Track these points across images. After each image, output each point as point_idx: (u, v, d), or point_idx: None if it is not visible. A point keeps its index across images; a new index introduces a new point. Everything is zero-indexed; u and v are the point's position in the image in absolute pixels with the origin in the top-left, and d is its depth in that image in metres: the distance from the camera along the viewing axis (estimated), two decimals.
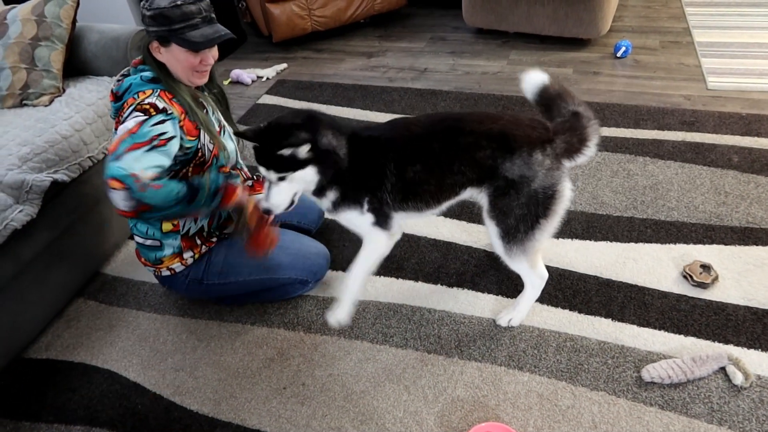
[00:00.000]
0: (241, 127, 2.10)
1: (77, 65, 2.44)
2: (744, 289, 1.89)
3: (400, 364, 1.81)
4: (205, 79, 1.75)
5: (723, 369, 1.66)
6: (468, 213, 2.34)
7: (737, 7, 3.77)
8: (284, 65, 3.75)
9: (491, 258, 2.11)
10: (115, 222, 2.33)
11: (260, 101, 3.39)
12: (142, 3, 1.62)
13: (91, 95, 2.31)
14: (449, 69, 3.48)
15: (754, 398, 1.59)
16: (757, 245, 2.04)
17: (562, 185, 1.59)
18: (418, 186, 1.63)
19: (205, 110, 1.78)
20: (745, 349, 1.71)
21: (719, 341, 1.74)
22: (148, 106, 1.58)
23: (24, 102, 2.27)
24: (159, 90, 1.64)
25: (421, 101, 3.16)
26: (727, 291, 1.89)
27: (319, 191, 1.65)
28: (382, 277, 2.11)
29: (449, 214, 2.34)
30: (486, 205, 1.65)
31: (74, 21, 2.36)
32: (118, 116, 1.65)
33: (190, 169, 1.72)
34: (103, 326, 2.09)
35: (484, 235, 2.22)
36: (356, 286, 1.79)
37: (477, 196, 1.67)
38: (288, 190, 1.59)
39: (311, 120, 1.57)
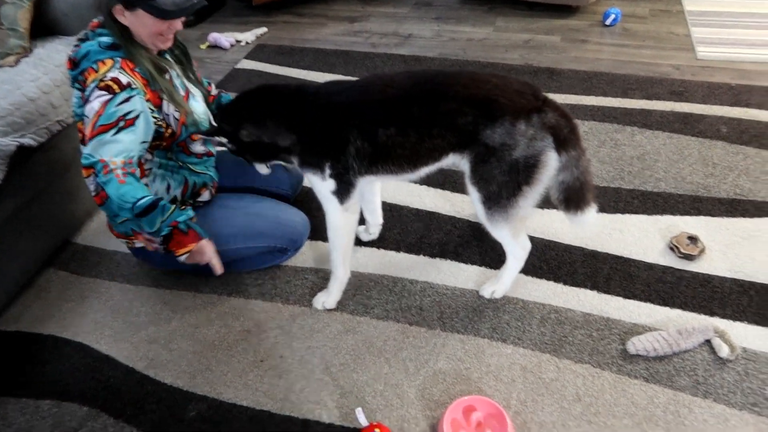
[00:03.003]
0: (216, 92, 2.02)
1: (46, 24, 2.29)
2: (731, 261, 1.86)
3: (381, 336, 1.76)
4: (170, 44, 1.64)
5: (708, 342, 1.64)
6: (451, 182, 2.28)
7: None
8: (264, 29, 3.61)
9: (475, 228, 2.06)
10: (86, 189, 2.22)
11: (239, 66, 3.27)
12: None
13: (60, 56, 2.17)
14: (434, 35, 3.38)
15: (740, 371, 1.57)
16: (744, 217, 2.01)
17: (546, 155, 1.51)
18: (391, 150, 1.58)
19: (167, 75, 1.67)
20: (731, 321, 1.70)
21: (705, 313, 1.72)
22: (111, 83, 1.49)
23: None
24: (119, 59, 1.53)
25: (404, 67, 3.06)
26: (713, 263, 1.86)
27: (283, 159, 1.71)
28: (363, 247, 2.05)
29: (432, 183, 2.28)
30: (468, 171, 1.60)
31: None
32: (82, 90, 1.56)
33: (163, 143, 1.63)
34: (75, 297, 2.01)
35: (467, 205, 2.17)
36: (340, 267, 1.80)
37: (459, 162, 1.62)
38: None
39: (243, 107, 1.68)
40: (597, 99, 2.66)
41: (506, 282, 1.82)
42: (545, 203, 2.07)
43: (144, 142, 1.55)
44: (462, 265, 1.95)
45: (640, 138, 2.40)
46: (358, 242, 2.06)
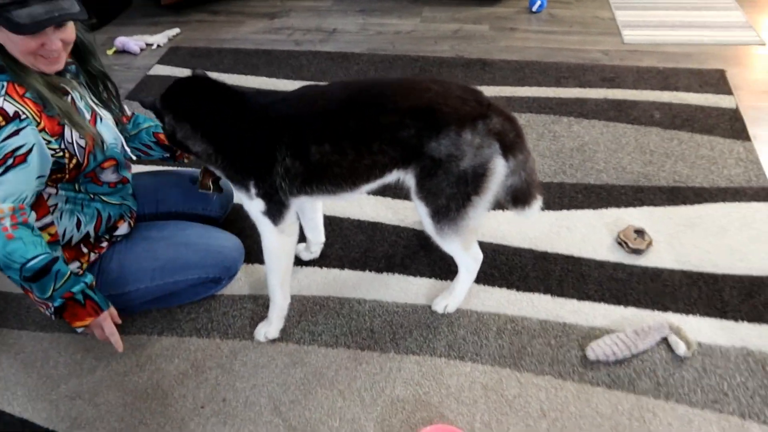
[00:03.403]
0: (133, 104, 1.81)
1: None
2: (677, 251, 1.86)
3: (332, 365, 1.63)
4: (59, 66, 1.40)
5: (665, 339, 1.61)
6: (392, 189, 2.15)
7: None
8: (176, 30, 3.35)
9: (421, 237, 1.96)
10: None
11: (151, 72, 3.01)
12: None
13: None
14: (360, 29, 3.24)
15: (698, 367, 1.55)
16: (684, 204, 2.01)
17: (494, 162, 1.43)
18: (327, 168, 1.45)
19: (69, 97, 1.45)
20: (684, 315, 1.68)
21: (658, 309, 1.70)
22: None
23: None
24: (5, 83, 1.32)
25: (332, 66, 2.91)
26: (661, 255, 1.85)
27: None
28: (303, 267, 1.91)
29: (373, 191, 2.16)
30: (413, 186, 1.50)
31: None
32: None
33: (67, 175, 1.43)
34: None
35: (411, 212, 2.06)
36: (278, 293, 1.66)
37: (404, 177, 1.51)
38: None
39: (172, 93, 1.50)
40: (531, 90, 2.61)
41: (459, 295, 1.73)
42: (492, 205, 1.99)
43: (40, 176, 1.35)
44: (411, 278, 1.85)
45: (577, 128, 2.37)
46: (299, 262, 1.92)
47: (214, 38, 3.28)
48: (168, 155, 1.85)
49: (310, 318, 1.76)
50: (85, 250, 1.59)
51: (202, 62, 3.04)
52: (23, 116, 1.31)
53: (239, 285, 1.87)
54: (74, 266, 1.57)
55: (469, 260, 1.66)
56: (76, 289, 1.39)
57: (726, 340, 1.61)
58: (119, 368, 1.68)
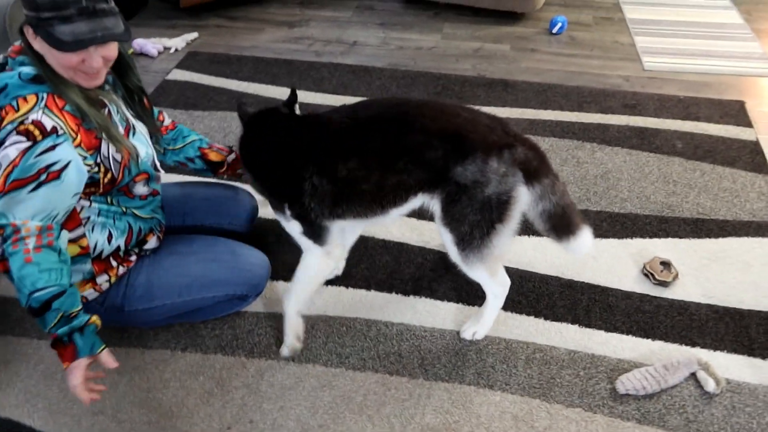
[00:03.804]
0: (169, 122, 1.80)
1: None
2: (703, 285, 1.87)
3: (360, 389, 1.62)
4: (98, 82, 1.37)
5: (694, 375, 1.62)
6: (416, 211, 2.16)
7: None
8: (195, 35, 3.33)
9: (446, 261, 1.95)
10: None
11: (170, 77, 2.99)
12: None
13: None
14: (380, 42, 3.24)
15: (726, 405, 1.56)
16: (709, 237, 2.03)
17: (518, 191, 1.45)
18: (354, 186, 1.46)
19: (106, 110, 1.43)
20: (712, 351, 1.69)
21: (686, 344, 1.71)
22: (32, 127, 1.24)
23: None
24: (45, 95, 1.28)
25: (353, 79, 2.91)
26: (687, 289, 1.86)
27: None
28: (329, 286, 1.90)
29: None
30: (438, 212, 1.52)
31: None
32: None
33: (100, 190, 1.41)
34: None
35: (436, 234, 2.04)
36: (293, 314, 1.67)
37: (429, 203, 1.53)
38: None
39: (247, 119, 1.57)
40: (554, 113, 2.62)
41: (487, 322, 1.72)
42: (517, 231, 2.00)
43: (75, 194, 1.33)
44: (438, 302, 1.84)
45: (600, 155, 2.38)
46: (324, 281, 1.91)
47: (233, 45, 3.26)
48: (208, 169, 1.84)
49: (337, 339, 1.75)
50: (114, 263, 1.57)
51: (222, 69, 3.02)
52: (60, 131, 1.27)
53: (264, 303, 1.86)
54: (103, 279, 1.55)
55: (495, 287, 1.67)
56: (61, 331, 1.30)
57: (754, 378, 1.62)
58: (142, 384, 1.66)
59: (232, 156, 1.83)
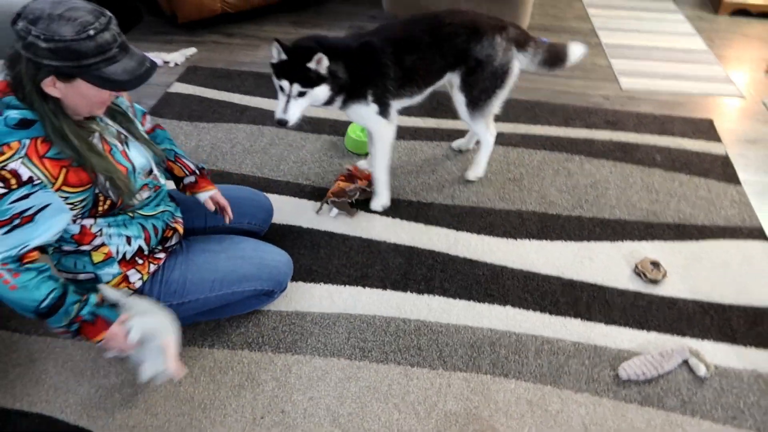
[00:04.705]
0: (156, 119, 1.86)
1: None
2: (689, 283, 2.05)
3: (384, 380, 1.73)
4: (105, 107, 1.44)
5: (686, 362, 1.78)
6: (424, 215, 2.30)
7: (631, 11, 4.10)
8: (193, 50, 3.42)
9: (457, 261, 2.10)
10: None
11: (171, 90, 3.06)
12: (22, 24, 1.19)
13: None
14: None
15: (716, 387, 1.72)
16: (690, 240, 2.22)
17: (513, 63, 2.14)
18: (413, 72, 2.07)
19: (96, 135, 1.43)
20: (699, 340, 1.86)
21: (677, 334, 1.87)
22: (9, 175, 1.25)
23: None
24: (28, 142, 1.27)
25: None
26: (675, 285, 2.03)
27: (327, 102, 1.97)
28: (347, 286, 2.01)
29: (405, 216, 2.29)
30: (458, 82, 2.15)
31: None
32: None
33: (100, 211, 1.46)
34: (22, 360, 1.77)
35: (443, 238, 2.20)
36: (384, 174, 2.26)
37: (450, 77, 2.16)
38: (303, 103, 1.92)
39: (325, 44, 1.88)
40: (544, 128, 2.81)
41: (483, 163, 2.43)
42: (517, 234, 2.17)
43: (52, 231, 1.36)
44: (451, 300, 1.97)
45: (588, 167, 2.57)
46: (341, 282, 2.01)
47: (231, 60, 3.35)
48: (171, 180, 1.82)
49: (359, 335, 1.85)
50: (140, 261, 1.61)
51: (224, 83, 3.11)
52: (36, 181, 1.28)
53: (285, 302, 1.95)
54: (135, 278, 1.61)
55: (488, 136, 2.36)
56: (84, 312, 1.41)
57: (738, 363, 1.79)
58: (173, 380, 1.72)
59: (190, 178, 1.81)
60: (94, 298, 1.45)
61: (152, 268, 1.66)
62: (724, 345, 1.85)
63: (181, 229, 1.75)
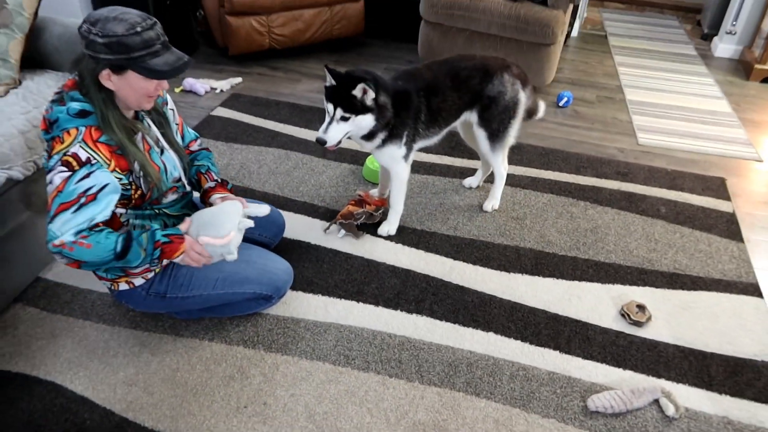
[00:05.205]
0: (204, 141, 2.09)
1: (36, 58, 2.34)
2: (673, 329, 2.09)
3: (362, 386, 1.85)
4: (153, 103, 1.68)
5: (657, 401, 1.83)
6: (425, 243, 2.44)
7: (661, 72, 4.20)
8: (239, 79, 3.73)
9: (449, 287, 2.21)
10: None
11: (214, 113, 3.35)
12: (85, 26, 1.46)
13: (50, 90, 2.21)
14: None
15: (683, 428, 1.76)
16: (683, 289, 2.27)
17: (521, 94, 2.37)
18: (439, 113, 2.28)
19: (139, 135, 1.68)
20: (675, 383, 1.90)
21: (653, 375, 1.92)
22: (71, 158, 1.49)
23: None
24: (84, 129, 1.52)
25: None
26: (658, 330, 2.09)
27: (369, 135, 2.14)
28: (342, 299, 2.15)
29: (408, 242, 2.43)
30: (476, 119, 2.39)
31: (37, 11, 2.26)
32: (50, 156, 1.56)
33: (132, 202, 1.68)
34: (45, 335, 1.98)
35: (440, 265, 2.32)
36: (401, 206, 2.46)
37: (468, 116, 2.39)
38: (345, 128, 2.07)
39: (375, 79, 2.06)
40: (554, 174, 2.92)
41: (498, 195, 2.65)
42: (511, 268, 2.27)
43: (110, 208, 1.58)
44: (437, 321, 2.08)
45: (592, 212, 2.66)
46: (338, 295, 2.16)
47: (272, 91, 3.64)
48: (197, 194, 2.00)
49: (346, 344, 1.98)
50: None
51: (261, 110, 3.38)
52: (93, 161, 1.51)
53: (284, 307, 2.10)
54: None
55: (503, 169, 2.56)
56: (158, 236, 1.62)
57: (710, 409, 1.82)
58: (172, 364, 1.89)
59: (210, 184, 1.96)
60: (157, 225, 1.68)
61: (165, 261, 1.85)
62: (698, 390, 1.88)
63: None
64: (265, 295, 1.99)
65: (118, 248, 1.55)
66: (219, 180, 2.02)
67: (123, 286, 1.81)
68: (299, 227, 2.49)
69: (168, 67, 1.54)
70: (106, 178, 1.54)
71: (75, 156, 1.50)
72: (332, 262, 2.32)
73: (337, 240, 2.44)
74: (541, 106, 2.58)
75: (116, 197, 1.58)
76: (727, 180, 2.95)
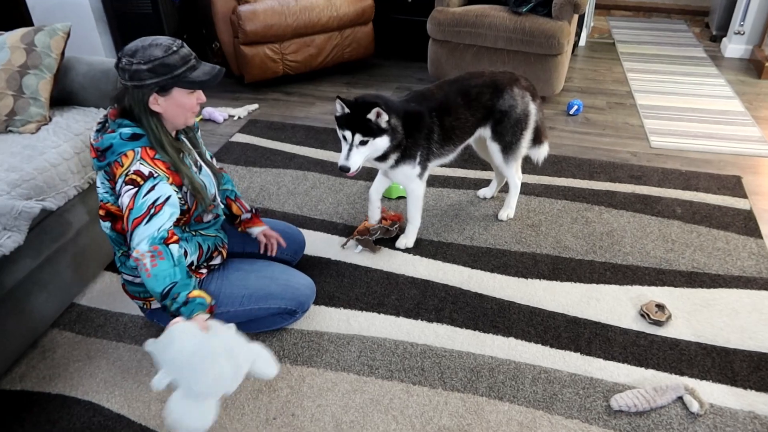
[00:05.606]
0: (216, 163, 2.19)
1: (63, 95, 2.46)
2: (693, 326, 2.10)
3: (387, 395, 1.89)
4: (195, 117, 1.81)
5: (681, 398, 1.84)
6: (442, 253, 2.49)
7: (671, 75, 4.22)
8: (256, 105, 3.85)
9: (467, 295, 2.25)
10: (90, 252, 2.32)
11: (233, 139, 3.46)
12: (125, 60, 1.60)
13: (78, 125, 2.33)
14: None
15: (709, 425, 1.76)
16: (702, 287, 2.27)
17: (531, 106, 2.42)
18: (452, 131, 2.34)
19: (182, 154, 1.80)
20: (698, 380, 1.91)
21: (675, 373, 1.93)
22: (135, 176, 1.62)
23: (9, 129, 2.26)
24: (140, 149, 1.66)
25: None
26: (679, 328, 2.10)
27: (382, 156, 2.21)
28: (363, 312, 2.20)
29: (425, 253, 2.48)
30: (489, 134, 2.45)
31: (63, 52, 2.39)
32: (109, 179, 1.69)
33: (183, 219, 1.78)
34: (81, 357, 2.06)
35: (457, 275, 2.37)
36: (419, 220, 2.51)
37: (482, 131, 2.45)
38: (365, 152, 2.13)
39: (386, 102, 2.15)
40: (567, 180, 2.96)
41: (513, 205, 2.69)
42: (528, 274, 2.30)
43: (173, 219, 1.68)
44: (458, 329, 2.12)
45: (607, 216, 2.69)
46: (359, 307, 2.21)
47: (288, 115, 3.75)
48: (228, 218, 2.15)
49: (369, 354, 2.03)
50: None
51: (278, 134, 3.48)
52: (156, 174, 1.64)
53: (307, 322, 2.16)
54: None
55: (516, 179, 2.61)
56: (190, 309, 1.65)
57: (735, 404, 1.82)
58: None
59: (247, 215, 2.14)
60: (193, 247, 1.83)
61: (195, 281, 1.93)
62: (722, 386, 1.88)
63: (225, 254, 2.04)
64: (290, 309, 2.05)
65: (165, 290, 1.61)
66: (253, 211, 2.16)
67: (155, 305, 1.90)
68: (319, 244, 2.56)
69: (207, 76, 1.69)
70: (169, 190, 1.66)
71: (138, 173, 1.63)
72: (353, 276, 2.38)
73: (356, 255, 2.50)
74: (545, 146, 2.60)
75: (177, 211, 1.69)
76: (743, 178, 2.96)
